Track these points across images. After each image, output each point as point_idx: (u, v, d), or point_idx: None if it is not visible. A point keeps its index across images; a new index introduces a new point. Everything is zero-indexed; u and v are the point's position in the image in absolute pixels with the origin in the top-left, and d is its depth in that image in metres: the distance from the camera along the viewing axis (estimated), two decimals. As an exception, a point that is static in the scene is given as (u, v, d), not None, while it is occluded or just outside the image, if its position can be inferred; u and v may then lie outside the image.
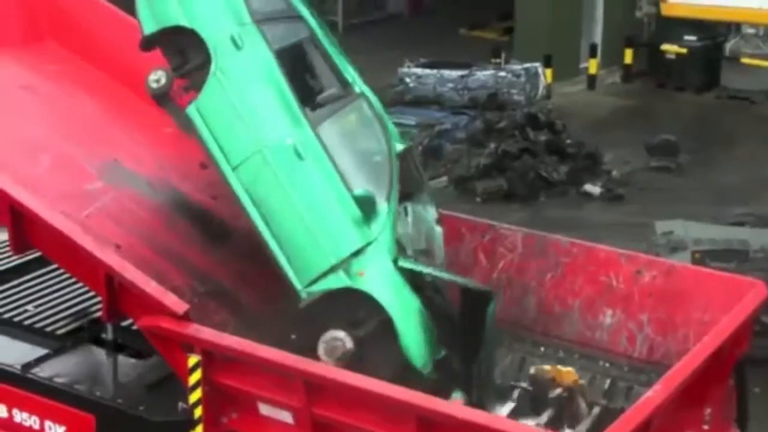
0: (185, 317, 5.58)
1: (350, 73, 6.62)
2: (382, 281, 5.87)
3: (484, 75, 19.07)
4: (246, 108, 6.11)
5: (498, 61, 19.85)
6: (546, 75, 19.72)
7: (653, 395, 5.13)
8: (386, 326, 5.77)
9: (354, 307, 5.83)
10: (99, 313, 6.44)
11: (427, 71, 19.18)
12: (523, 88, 18.94)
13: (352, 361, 5.77)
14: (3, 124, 6.76)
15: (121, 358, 6.35)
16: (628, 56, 21.83)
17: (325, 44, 6.61)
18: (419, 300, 5.89)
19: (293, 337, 5.96)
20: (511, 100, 18.62)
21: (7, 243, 7.21)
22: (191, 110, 6.18)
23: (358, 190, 5.98)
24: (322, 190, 6.03)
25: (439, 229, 6.53)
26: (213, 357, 5.57)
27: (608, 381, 6.49)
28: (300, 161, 6.02)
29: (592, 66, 21.58)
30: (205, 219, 6.82)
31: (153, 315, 5.64)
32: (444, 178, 15.87)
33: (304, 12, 6.61)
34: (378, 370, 5.54)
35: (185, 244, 6.62)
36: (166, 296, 5.62)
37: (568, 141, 16.64)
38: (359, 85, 6.60)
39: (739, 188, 15.82)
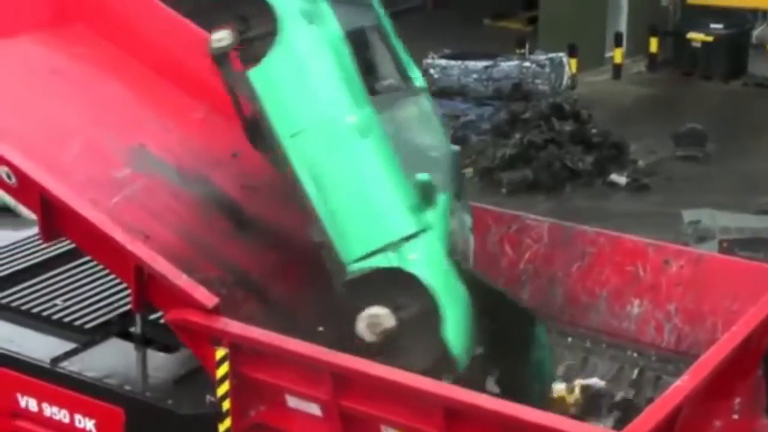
0: (215, 311, 5.60)
1: (412, 68, 6.61)
2: (432, 268, 5.82)
3: (508, 65, 19.04)
4: (311, 81, 6.07)
5: (522, 51, 19.81)
6: (571, 65, 19.65)
7: (682, 385, 5.11)
8: (430, 313, 5.73)
9: (398, 290, 5.77)
10: (127, 307, 6.48)
11: (452, 62, 19.17)
12: (547, 78, 18.90)
13: (389, 342, 5.71)
14: (33, 107, 6.76)
15: (150, 352, 6.38)
16: (654, 45, 21.72)
17: (390, 35, 6.58)
18: (466, 293, 5.85)
19: (321, 329, 5.96)
20: (535, 90, 18.58)
21: (35, 237, 7.29)
22: (254, 73, 6.13)
23: (421, 175, 5.94)
24: (381, 170, 5.98)
25: (471, 238, 6.50)
26: (241, 350, 5.58)
27: (636, 371, 6.47)
28: (361, 140, 5.99)
29: (617, 55, 21.49)
30: (234, 209, 6.82)
31: (182, 307, 5.65)
32: (469, 170, 15.86)
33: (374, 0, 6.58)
34: (416, 356, 5.51)
35: (213, 233, 6.62)
36: (197, 290, 5.64)
37: (594, 131, 16.59)
38: (420, 81, 6.59)
39: (767, 177, 15.72)
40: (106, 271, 6.75)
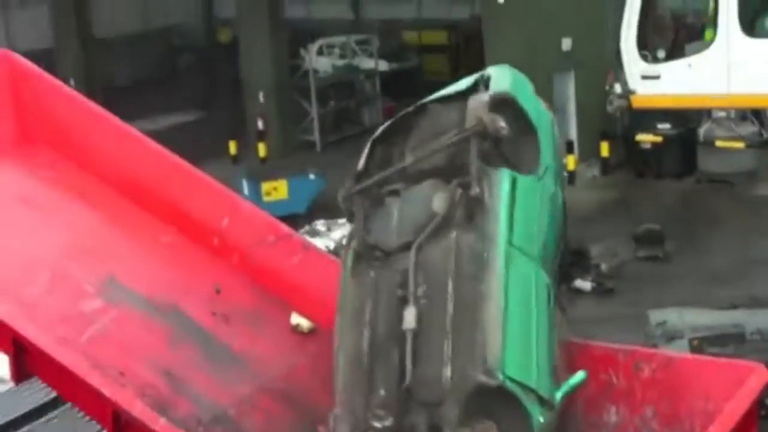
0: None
1: None
2: None
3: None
4: (538, 221, 5.95)
5: (477, 165, 20.01)
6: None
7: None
8: None
9: (508, 421, 5.49)
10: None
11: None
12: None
13: None
14: (1, 240, 6.73)
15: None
16: (605, 149, 22.08)
17: None
18: None
19: None
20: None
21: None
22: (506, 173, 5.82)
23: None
24: (544, 323, 5.83)
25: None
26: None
27: (619, 480, 6.40)
28: (535, 291, 5.82)
29: (570, 162, 21.80)
30: (207, 339, 6.77)
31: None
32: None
33: None
34: None
35: (188, 367, 6.55)
36: None
37: (554, 238, 16.70)
38: None
39: (729, 271, 15.87)
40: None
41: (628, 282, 16.10)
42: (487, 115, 5.76)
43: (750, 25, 12.76)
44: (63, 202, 7.20)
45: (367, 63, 29.16)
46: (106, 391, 5.70)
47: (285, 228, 7.15)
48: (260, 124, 26.73)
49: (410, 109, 6.11)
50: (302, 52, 28.13)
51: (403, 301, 5.52)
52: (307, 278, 6.95)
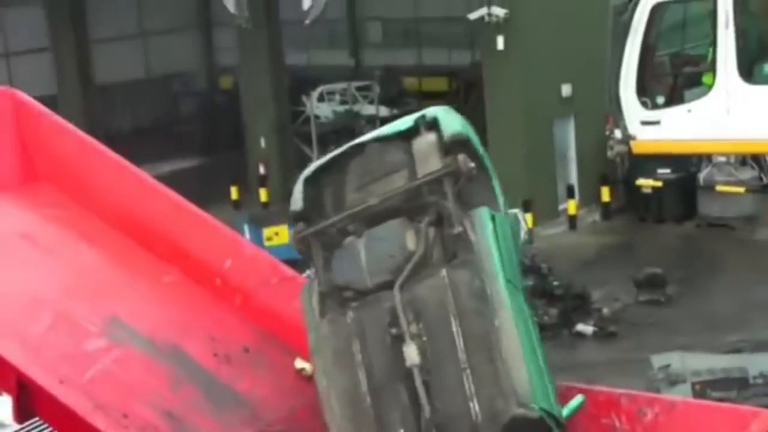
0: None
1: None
2: None
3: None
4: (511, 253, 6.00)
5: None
6: (527, 220, 19.94)
7: None
8: None
9: None
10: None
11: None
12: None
13: None
14: (3, 277, 6.74)
15: None
16: (605, 194, 22.14)
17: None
18: None
19: None
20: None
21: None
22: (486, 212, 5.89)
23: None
24: (544, 359, 6.00)
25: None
26: None
27: None
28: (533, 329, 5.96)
29: (571, 207, 21.85)
30: (208, 381, 6.74)
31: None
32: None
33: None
34: None
35: (190, 408, 6.52)
36: None
37: (555, 283, 16.73)
38: None
39: (731, 315, 15.85)
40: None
41: (630, 326, 16.08)
42: (461, 157, 5.83)
43: (748, 72, 12.84)
44: (66, 240, 7.18)
45: (368, 109, 29.28)
46: None
47: (288, 270, 7.15)
48: (262, 169, 26.83)
49: (344, 148, 6.15)
50: (303, 98, 28.27)
51: (398, 339, 5.53)
52: (310, 321, 6.93)
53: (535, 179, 21.51)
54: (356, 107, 29.48)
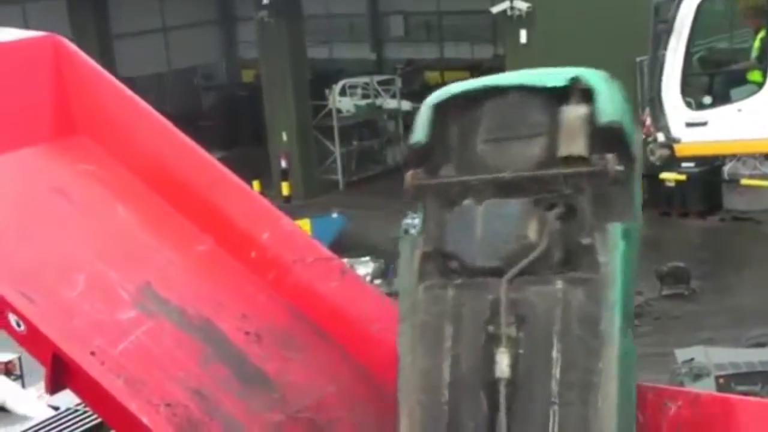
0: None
1: None
2: None
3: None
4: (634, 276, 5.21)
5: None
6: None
7: None
8: None
9: None
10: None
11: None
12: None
13: None
14: (36, 235, 6.55)
15: None
16: (629, 188, 22.01)
17: None
18: None
19: None
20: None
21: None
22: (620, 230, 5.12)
23: None
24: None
25: None
26: None
27: None
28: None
29: (594, 200, 21.72)
30: (239, 359, 6.65)
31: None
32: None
33: None
34: None
35: (219, 387, 6.40)
36: None
37: (578, 276, 16.65)
38: None
39: (755, 309, 15.73)
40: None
41: (654, 320, 16.00)
42: (610, 157, 5.03)
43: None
44: (100, 199, 6.86)
45: (390, 103, 29.26)
46: (146, 419, 5.62)
47: (325, 250, 6.96)
48: (283, 164, 26.83)
49: (479, 84, 5.39)
50: (325, 92, 28.27)
51: (492, 340, 5.02)
52: (342, 304, 6.80)
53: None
54: (378, 101, 29.46)
